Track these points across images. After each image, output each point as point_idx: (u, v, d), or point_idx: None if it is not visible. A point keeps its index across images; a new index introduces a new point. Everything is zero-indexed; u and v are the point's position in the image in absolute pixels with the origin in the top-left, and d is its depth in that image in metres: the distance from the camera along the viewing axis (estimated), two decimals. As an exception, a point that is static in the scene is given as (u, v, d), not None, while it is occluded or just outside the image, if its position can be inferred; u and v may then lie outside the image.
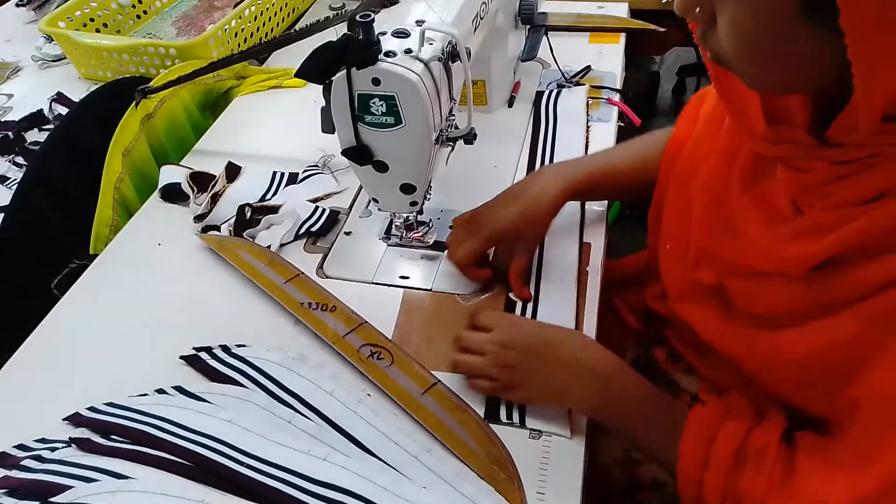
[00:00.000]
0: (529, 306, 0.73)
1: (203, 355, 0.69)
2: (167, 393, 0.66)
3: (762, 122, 0.53)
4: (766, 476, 0.53)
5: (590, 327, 0.70)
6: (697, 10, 0.46)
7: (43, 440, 0.63)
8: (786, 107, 0.53)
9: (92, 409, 0.65)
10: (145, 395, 0.66)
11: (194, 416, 0.62)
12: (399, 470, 0.58)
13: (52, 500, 0.56)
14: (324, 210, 0.84)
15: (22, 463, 0.60)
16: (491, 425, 0.62)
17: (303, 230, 0.82)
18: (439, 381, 0.65)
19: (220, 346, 0.70)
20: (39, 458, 0.61)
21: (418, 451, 0.60)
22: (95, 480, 0.58)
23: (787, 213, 0.54)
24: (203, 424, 0.61)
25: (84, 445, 0.60)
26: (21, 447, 0.62)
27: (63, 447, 0.62)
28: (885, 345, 0.47)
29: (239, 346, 0.70)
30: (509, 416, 0.63)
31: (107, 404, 0.65)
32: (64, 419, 0.64)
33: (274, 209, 0.84)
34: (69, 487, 0.57)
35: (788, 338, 0.54)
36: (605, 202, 0.85)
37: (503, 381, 0.63)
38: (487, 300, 0.74)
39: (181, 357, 0.70)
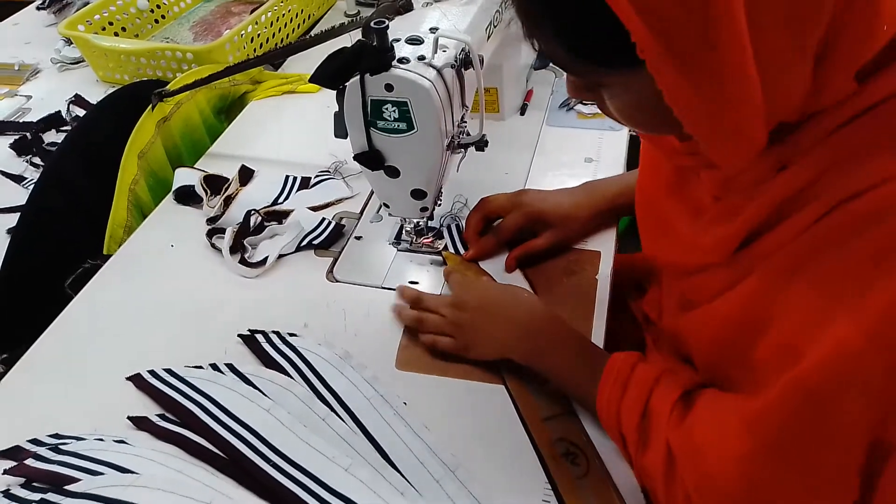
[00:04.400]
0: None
1: (259, 337, 0.71)
2: (220, 370, 0.68)
3: (675, 140, 0.58)
4: (666, 416, 0.55)
5: (599, 334, 0.71)
6: (587, 93, 0.53)
7: (56, 435, 0.64)
8: None
9: (152, 373, 0.68)
10: (200, 367, 0.69)
11: (238, 399, 0.65)
12: (419, 491, 0.58)
13: (67, 487, 0.58)
14: (329, 222, 0.84)
15: (37, 452, 0.62)
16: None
17: (305, 242, 0.82)
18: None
19: (274, 331, 0.72)
20: (57, 450, 0.62)
21: (442, 474, 0.59)
22: (101, 474, 0.59)
23: (708, 207, 0.58)
24: (244, 411, 0.64)
25: (141, 425, 0.64)
26: (35, 442, 0.63)
27: (72, 442, 0.63)
28: (783, 299, 0.48)
29: (291, 334, 0.72)
30: None
31: (166, 370, 0.69)
32: (127, 378, 0.69)
33: (283, 214, 0.85)
34: (77, 480, 0.58)
35: (703, 312, 0.58)
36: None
37: (461, 340, 0.68)
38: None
39: (239, 335, 0.72)
